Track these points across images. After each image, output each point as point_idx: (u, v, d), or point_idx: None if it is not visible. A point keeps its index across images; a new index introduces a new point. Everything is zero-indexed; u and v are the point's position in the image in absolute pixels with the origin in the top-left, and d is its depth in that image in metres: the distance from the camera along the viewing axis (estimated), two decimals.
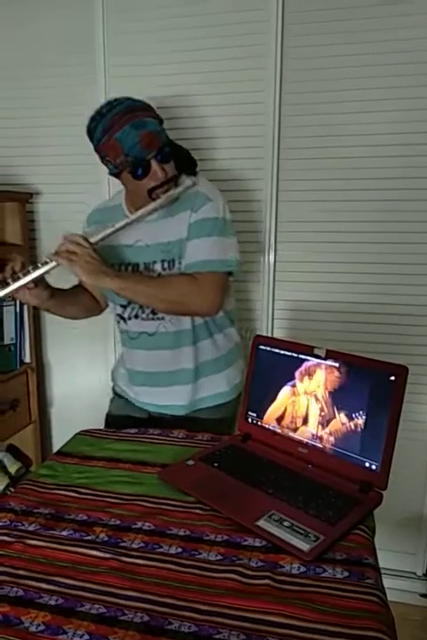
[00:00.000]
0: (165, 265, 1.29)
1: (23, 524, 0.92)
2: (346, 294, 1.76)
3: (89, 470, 1.11)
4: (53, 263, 1.17)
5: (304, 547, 0.82)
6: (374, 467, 0.97)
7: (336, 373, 1.04)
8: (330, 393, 1.05)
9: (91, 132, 1.24)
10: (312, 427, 1.07)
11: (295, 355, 1.12)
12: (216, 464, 1.07)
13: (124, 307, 1.36)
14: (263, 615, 0.70)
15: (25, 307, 1.97)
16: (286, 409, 1.12)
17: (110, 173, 1.27)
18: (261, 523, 0.88)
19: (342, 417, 1.02)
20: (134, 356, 1.40)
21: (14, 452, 2.11)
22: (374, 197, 1.68)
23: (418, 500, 1.84)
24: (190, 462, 1.09)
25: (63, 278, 1.28)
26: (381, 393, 0.98)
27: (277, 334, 1.84)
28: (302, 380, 1.10)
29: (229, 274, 1.31)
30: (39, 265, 1.17)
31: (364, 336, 1.75)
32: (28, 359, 2.02)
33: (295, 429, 1.09)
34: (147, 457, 1.15)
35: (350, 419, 1.01)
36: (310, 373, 1.09)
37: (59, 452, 1.20)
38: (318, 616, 0.70)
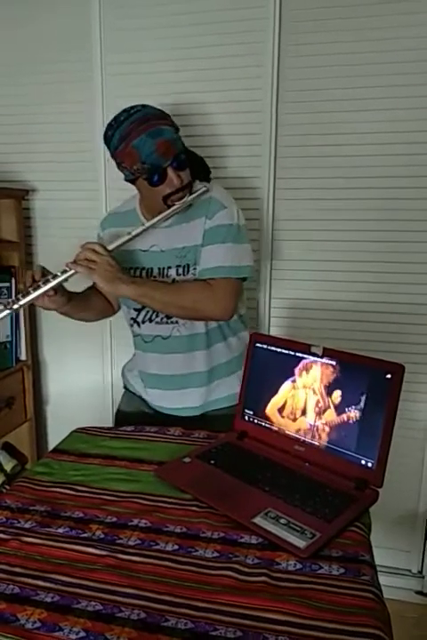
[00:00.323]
0: (180, 270, 1.31)
1: (19, 522, 0.91)
2: (343, 293, 1.76)
3: (85, 468, 1.10)
4: (72, 271, 1.20)
5: (300, 544, 0.82)
6: (370, 464, 0.97)
7: (333, 371, 1.04)
8: (326, 390, 1.05)
9: (108, 139, 1.25)
10: (310, 418, 1.07)
11: (292, 353, 1.12)
12: (213, 461, 1.07)
13: (137, 310, 1.38)
14: (260, 612, 0.70)
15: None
16: (286, 401, 1.12)
17: (126, 179, 1.29)
18: (257, 520, 0.88)
19: (338, 414, 1.02)
20: (148, 359, 1.41)
21: (10, 449, 2.10)
22: (372, 196, 1.68)
23: (413, 497, 1.85)
24: (187, 460, 1.09)
25: (73, 281, 1.29)
26: (377, 391, 0.98)
27: (274, 332, 1.84)
28: (300, 377, 1.10)
29: (243, 279, 1.33)
30: (58, 273, 1.20)
31: (361, 334, 1.75)
32: (23, 357, 2.02)
33: (295, 419, 1.10)
34: (143, 454, 1.15)
35: (347, 416, 1.01)
36: (307, 371, 1.09)
37: (55, 450, 1.20)
38: (315, 613, 0.70)
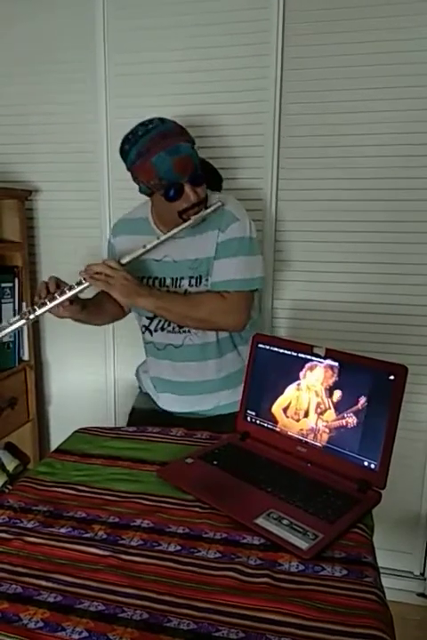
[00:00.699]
0: (193, 282, 1.33)
1: (22, 522, 0.91)
2: (346, 294, 1.76)
3: (87, 468, 1.10)
4: (87, 284, 1.23)
5: (303, 545, 0.82)
6: (373, 466, 0.97)
7: (335, 372, 1.04)
8: (329, 392, 1.05)
9: (124, 153, 1.27)
10: (313, 420, 1.07)
11: (295, 354, 1.12)
12: (215, 462, 1.07)
13: (150, 319, 1.40)
14: (262, 613, 0.70)
15: (23, 304, 1.97)
16: (290, 402, 1.12)
17: (141, 192, 1.31)
18: (259, 521, 0.88)
19: (341, 416, 1.02)
20: (161, 365, 1.44)
21: (12, 449, 2.10)
22: (375, 197, 1.68)
23: (415, 499, 1.84)
24: (189, 460, 1.09)
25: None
26: (380, 392, 0.98)
27: (276, 333, 1.84)
28: (303, 378, 1.10)
29: (255, 290, 1.35)
30: (74, 285, 1.23)
31: (363, 335, 1.75)
32: (26, 357, 2.02)
33: (298, 420, 1.09)
34: (145, 455, 1.15)
35: (350, 418, 1.01)
36: (310, 371, 1.09)
37: (57, 450, 1.20)
38: (317, 614, 0.70)
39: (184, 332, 1.36)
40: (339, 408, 1.03)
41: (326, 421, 1.04)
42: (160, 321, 1.38)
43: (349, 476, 0.99)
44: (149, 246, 1.27)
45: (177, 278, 1.34)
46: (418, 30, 1.57)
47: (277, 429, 1.13)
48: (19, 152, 1.99)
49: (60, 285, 1.23)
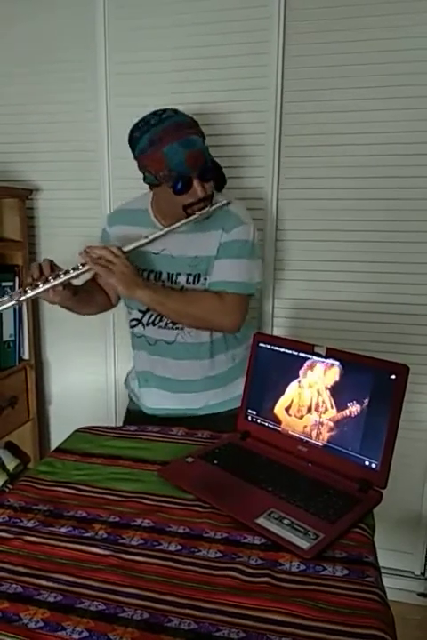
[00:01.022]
0: (190, 279, 1.31)
1: (22, 521, 0.91)
2: (346, 293, 1.76)
3: (88, 467, 1.10)
4: (85, 269, 1.20)
5: (304, 545, 0.82)
6: (374, 465, 0.96)
7: (337, 372, 1.04)
8: (330, 391, 1.04)
9: (134, 140, 1.24)
10: (314, 419, 1.07)
11: (296, 353, 1.11)
12: (216, 462, 1.07)
13: (143, 312, 1.37)
14: (263, 613, 0.70)
15: (24, 303, 1.97)
16: (292, 401, 1.11)
17: (147, 182, 1.28)
18: (260, 520, 0.88)
19: (342, 415, 1.02)
20: (151, 360, 1.41)
21: (12, 449, 2.10)
22: (376, 196, 1.68)
23: (416, 499, 1.84)
24: (190, 460, 1.09)
25: None
26: (381, 392, 0.97)
27: (278, 332, 1.84)
28: (304, 377, 1.09)
29: (251, 294, 1.34)
30: (70, 269, 1.19)
31: (364, 335, 1.74)
32: (26, 356, 2.02)
33: (301, 417, 1.09)
34: (146, 454, 1.15)
35: (351, 417, 1.01)
36: (311, 370, 1.08)
37: (58, 449, 1.20)
38: (318, 614, 0.70)
39: (177, 328, 1.34)
40: (340, 407, 1.02)
41: (327, 421, 1.04)
42: (152, 315, 1.35)
43: (350, 475, 0.98)
44: (151, 237, 1.24)
45: (174, 274, 1.32)
46: (419, 29, 1.56)
47: (278, 429, 1.13)
48: (19, 151, 1.99)
49: (54, 269, 1.19)
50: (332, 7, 1.61)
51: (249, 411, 1.19)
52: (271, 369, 1.16)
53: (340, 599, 0.73)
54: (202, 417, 1.39)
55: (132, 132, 1.25)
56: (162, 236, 1.25)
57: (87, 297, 1.38)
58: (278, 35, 1.65)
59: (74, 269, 1.19)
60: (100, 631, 0.67)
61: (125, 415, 1.56)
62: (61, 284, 1.18)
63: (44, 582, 0.76)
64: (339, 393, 1.03)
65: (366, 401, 0.99)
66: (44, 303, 2.09)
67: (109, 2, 1.80)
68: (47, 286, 1.17)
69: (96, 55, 1.84)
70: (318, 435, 1.06)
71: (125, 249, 1.23)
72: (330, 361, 1.06)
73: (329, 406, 1.04)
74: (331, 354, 1.06)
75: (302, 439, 1.08)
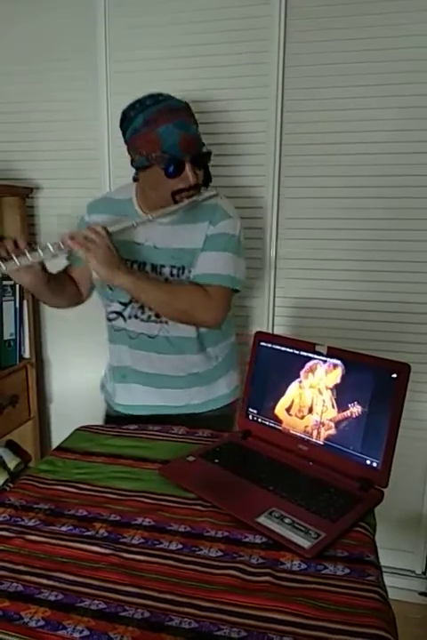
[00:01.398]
0: (174, 271, 1.29)
1: (23, 520, 0.91)
2: (347, 292, 1.75)
3: (89, 466, 1.10)
4: (65, 248, 1.13)
5: (305, 544, 0.82)
6: (375, 464, 0.96)
7: (338, 370, 1.04)
8: (332, 390, 1.04)
9: (128, 120, 1.21)
10: (315, 418, 1.07)
11: (297, 352, 1.11)
12: (217, 460, 1.07)
13: (124, 305, 1.33)
14: (264, 612, 0.70)
15: (25, 302, 1.97)
16: (293, 400, 1.11)
17: (136, 165, 1.24)
18: (261, 519, 0.88)
19: (343, 414, 1.02)
20: (131, 354, 1.37)
21: (13, 447, 2.11)
22: (376, 195, 1.68)
23: (417, 498, 1.84)
24: (191, 458, 1.09)
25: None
26: (383, 390, 0.97)
27: (278, 331, 1.84)
28: (305, 377, 1.09)
29: (234, 291, 1.32)
30: (49, 246, 1.12)
31: (365, 333, 1.74)
32: (27, 355, 2.02)
33: (302, 417, 1.09)
34: (147, 453, 1.15)
35: (352, 416, 1.00)
36: (312, 370, 1.08)
37: (58, 448, 1.20)
38: (319, 613, 0.70)
39: (160, 322, 1.30)
40: (341, 406, 1.02)
41: (329, 420, 1.04)
42: (134, 308, 1.31)
43: (351, 474, 0.98)
44: (139, 221, 1.21)
45: (157, 265, 1.29)
46: (419, 27, 1.56)
47: (279, 427, 1.13)
48: (20, 150, 1.99)
49: (31, 245, 1.13)
50: (332, 5, 1.61)
51: (250, 409, 1.19)
52: (272, 368, 1.15)
53: (341, 598, 0.73)
54: (182, 416, 1.36)
55: (125, 112, 1.22)
56: (150, 221, 1.22)
57: (58, 287, 1.32)
58: (279, 32, 1.65)
59: (54, 247, 1.12)
60: (101, 630, 0.67)
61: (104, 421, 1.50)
62: (39, 262, 1.13)
63: (44, 581, 0.76)
64: (340, 392, 1.03)
65: (368, 400, 0.99)
66: None
67: (110, 1, 1.79)
68: (24, 261, 1.10)
69: (96, 53, 1.84)
70: (319, 434, 1.05)
71: (111, 229, 1.18)
72: (331, 360, 1.05)
73: (330, 405, 1.04)
74: (332, 353, 1.06)
75: (303, 438, 1.08)
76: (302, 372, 1.10)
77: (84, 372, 2.10)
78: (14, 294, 1.93)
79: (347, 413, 1.01)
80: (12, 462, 2.04)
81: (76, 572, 0.78)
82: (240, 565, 0.79)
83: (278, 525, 0.86)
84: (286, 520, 0.87)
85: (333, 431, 1.03)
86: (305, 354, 1.10)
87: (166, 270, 1.29)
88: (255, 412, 1.18)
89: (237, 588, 0.75)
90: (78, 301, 1.44)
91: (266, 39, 1.67)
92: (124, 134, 1.24)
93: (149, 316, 1.31)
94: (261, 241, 1.79)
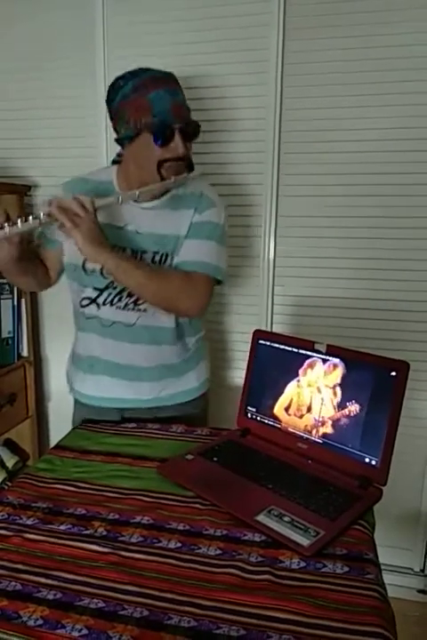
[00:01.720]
0: (157, 257, 1.25)
1: (21, 518, 0.91)
2: (346, 290, 1.75)
3: (87, 464, 1.10)
4: (46, 220, 1.08)
5: (304, 542, 0.82)
6: (374, 462, 0.96)
7: (337, 368, 1.04)
8: (330, 388, 1.04)
9: (117, 88, 1.18)
10: (314, 416, 1.07)
11: (296, 350, 1.11)
12: (215, 458, 1.07)
13: (99, 290, 1.27)
14: (263, 610, 0.70)
15: (23, 300, 1.96)
16: (292, 399, 1.11)
17: (123, 136, 1.20)
18: (260, 517, 0.88)
19: (342, 412, 1.02)
20: (102, 344, 1.31)
21: (11, 446, 2.10)
22: (375, 193, 1.67)
23: (415, 496, 1.84)
24: (189, 457, 1.09)
25: None
26: (381, 388, 0.97)
27: (277, 329, 1.84)
28: (304, 375, 1.09)
29: (217, 281, 1.30)
30: (30, 219, 1.06)
31: (364, 332, 1.74)
32: (25, 353, 2.01)
33: (301, 416, 1.09)
34: (145, 451, 1.15)
35: (351, 414, 1.00)
36: (311, 368, 1.08)
37: (57, 446, 1.19)
38: (319, 611, 0.70)
39: (139, 310, 1.26)
40: (340, 404, 1.02)
41: (327, 418, 1.04)
42: (109, 294, 1.26)
43: (350, 472, 0.98)
44: (123, 197, 1.16)
45: (139, 251, 1.25)
46: (418, 25, 1.56)
47: (278, 426, 1.12)
48: (18, 147, 1.98)
49: (9, 217, 1.07)
50: (333, 2, 1.60)
51: (249, 408, 1.19)
52: (271, 366, 1.15)
53: (340, 596, 0.73)
54: (149, 409, 1.34)
55: (115, 80, 1.20)
56: (136, 198, 1.17)
57: (27, 266, 1.26)
58: (278, 31, 1.64)
59: (34, 219, 1.06)
60: (100, 629, 0.67)
61: (73, 420, 1.44)
62: (17, 233, 1.07)
63: (43, 580, 0.76)
64: (339, 390, 1.03)
65: (367, 398, 0.99)
66: (43, 300, 2.09)
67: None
68: (2, 233, 1.04)
69: (95, 51, 1.83)
70: (317, 432, 1.05)
71: (97, 203, 1.13)
72: (330, 358, 1.05)
73: (329, 403, 1.04)
74: (331, 351, 1.06)
75: (303, 436, 1.08)
76: (300, 371, 1.09)
77: None
78: (12, 293, 1.92)
79: (346, 411, 1.01)
80: (10, 461, 2.03)
81: (75, 570, 0.78)
82: (239, 564, 0.79)
83: (277, 524, 0.86)
84: (286, 518, 0.87)
85: (332, 429, 1.03)
86: (304, 352, 1.10)
87: (148, 256, 1.25)
88: (254, 410, 1.18)
89: (236, 586, 0.75)
90: (47, 285, 1.38)
91: (265, 37, 1.67)
92: (111, 105, 1.21)
93: (126, 304, 1.27)
94: (260, 239, 1.79)
